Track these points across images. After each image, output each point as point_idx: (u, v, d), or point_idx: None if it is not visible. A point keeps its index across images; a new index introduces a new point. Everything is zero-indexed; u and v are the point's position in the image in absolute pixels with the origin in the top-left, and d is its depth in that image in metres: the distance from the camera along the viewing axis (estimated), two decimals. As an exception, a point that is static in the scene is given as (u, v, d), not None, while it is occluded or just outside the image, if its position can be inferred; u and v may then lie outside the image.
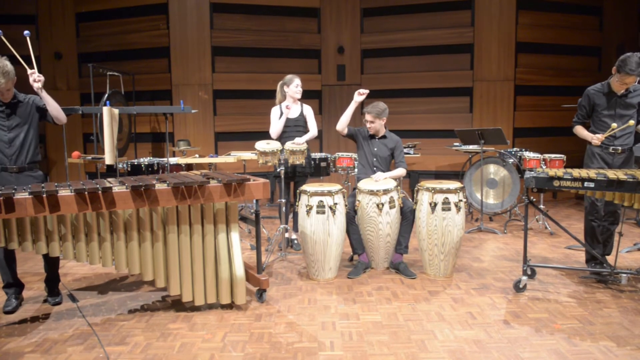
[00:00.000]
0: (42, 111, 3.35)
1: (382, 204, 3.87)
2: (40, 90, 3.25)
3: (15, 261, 3.38)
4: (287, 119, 4.65)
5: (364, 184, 4.00)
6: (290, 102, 4.69)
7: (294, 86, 4.63)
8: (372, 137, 4.31)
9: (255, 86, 7.48)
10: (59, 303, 3.42)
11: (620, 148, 3.74)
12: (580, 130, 3.92)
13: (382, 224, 3.91)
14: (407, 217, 4.01)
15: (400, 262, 4.02)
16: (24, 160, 3.25)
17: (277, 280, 3.87)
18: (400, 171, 4.23)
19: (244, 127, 7.51)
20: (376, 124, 4.20)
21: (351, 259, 4.36)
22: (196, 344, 2.77)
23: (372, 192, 3.89)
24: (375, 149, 4.27)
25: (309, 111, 4.76)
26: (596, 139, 3.72)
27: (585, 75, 7.52)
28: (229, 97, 7.50)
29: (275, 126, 4.64)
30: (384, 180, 4.08)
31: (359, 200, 3.98)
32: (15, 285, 3.38)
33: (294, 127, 4.66)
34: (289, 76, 4.70)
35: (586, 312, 3.15)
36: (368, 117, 4.21)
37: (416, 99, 7.55)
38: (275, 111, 4.74)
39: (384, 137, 4.30)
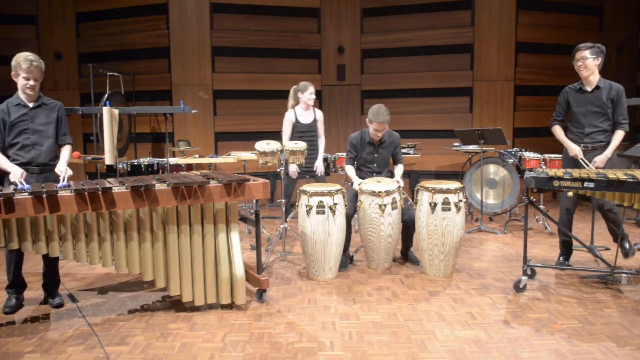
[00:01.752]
0: (59, 127, 3.39)
1: (385, 205, 3.85)
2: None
3: (22, 262, 3.36)
4: (302, 125, 4.76)
5: (366, 185, 3.98)
6: (302, 108, 4.79)
7: (308, 93, 4.72)
8: (371, 144, 4.23)
9: (255, 86, 7.49)
10: (60, 304, 3.37)
11: (590, 146, 3.82)
12: (559, 133, 3.97)
13: (383, 225, 3.89)
14: (408, 224, 4.12)
15: (409, 250, 4.32)
16: (43, 161, 3.29)
17: (277, 280, 3.87)
18: (400, 170, 4.35)
19: (244, 127, 7.52)
20: (384, 131, 4.13)
21: (351, 260, 4.36)
22: (196, 344, 2.77)
23: (374, 193, 3.87)
24: (376, 155, 4.28)
25: (320, 117, 4.86)
26: (579, 153, 3.79)
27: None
28: (229, 97, 7.50)
29: (285, 134, 4.77)
30: (389, 182, 4.08)
31: (360, 201, 3.96)
32: (17, 286, 3.37)
33: (308, 132, 4.77)
34: (303, 83, 4.78)
35: (586, 312, 3.15)
36: (374, 125, 4.05)
37: (416, 99, 7.55)
38: (289, 115, 4.78)
39: (382, 142, 4.23)
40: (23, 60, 3.13)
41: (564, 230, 3.90)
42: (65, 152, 3.40)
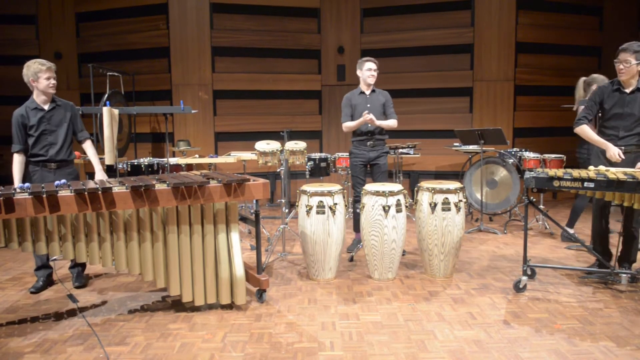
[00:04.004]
0: (75, 126, 3.75)
1: (389, 207, 3.72)
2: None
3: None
4: None
5: (369, 186, 3.90)
6: None
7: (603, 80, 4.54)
8: (362, 93, 4.53)
9: (255, 86, 7.48)
10: (83, 285, 3.75)
11: (624, 148, 3.58)
12: (590, 133, 3.64)
13: (387, 228, 3.72)
14: None
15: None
16: (61, 157, 3.61)
17: (277, 280, 3.87)
18: (393, 122, 4.48)
19: (244, 127, 7.51)
20: (376, 72, 4.48)
21: (351, 259, 4.37)
22: (196, 344, 2.77)
23: (378, 193, 3.74)
24: (369, 105, 4.47)
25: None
26: (620, 155, 3.49)
27: (585, 75, 7.48)
28: (229, 97, 7.50)
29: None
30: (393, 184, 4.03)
31: (363, 203, 3.85)
32: (45, 267, 3.73)
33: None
34: (599, 76, 4.65)
35: (586, 312, 3.15)
36: (374, 65, 4.46)
37: (416, 99, 7.55)
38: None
39: (373, 91, 4.55)
40: (41, 64, 3.48)
41: (599, 242, 3.76)
42: (91, 153, 3.78)
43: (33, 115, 3.51)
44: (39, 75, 3.47)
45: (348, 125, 4.49)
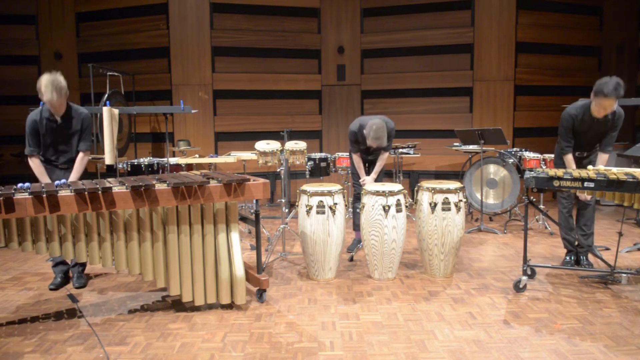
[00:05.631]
0: (82, 135, 3.68)
1: (389, 207, 3.72)
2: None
3: None
4: None
5: (369, 185, 3.94)
6: None
7: None
8: (366, 146, 4.39)
9: (255, 86, 7.48)
10: (83, 285, 3.75)
11: (585, 153, 3.91)
12: (572, 165, 3.84)
13: (387, 228, 3.73)
14: None
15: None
16: (72, 161, 3.66)
17: (277, 280, 3.87)
18: (385, 158, 4.46)
19: (244, 127, 7.52)
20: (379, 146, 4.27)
21: (351, 259, 4.37)
22: (196, 344, 2.77)
23: (378, 193, 3.74)
24: (370, 157, 4.53)
25: None
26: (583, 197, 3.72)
27: (585, 75, 7.52)
28: (229, 97, 7.50)
29: None
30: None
31: (363, 203, 3.85)
32: (62, 264, 3.78)
33: None
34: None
35: (586, 312, 3.15)
36: (373, 143, 4.16)
37: (416, 99, 7.55)
38: None
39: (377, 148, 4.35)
40: (44, 87, 3.33)
41: (566, 230, 3.92)
42: (77, 163, 3.64)
43: (46, 125, 3.51)
44: (42, 95, 3.38)
45: (356, 160, 4.51)
